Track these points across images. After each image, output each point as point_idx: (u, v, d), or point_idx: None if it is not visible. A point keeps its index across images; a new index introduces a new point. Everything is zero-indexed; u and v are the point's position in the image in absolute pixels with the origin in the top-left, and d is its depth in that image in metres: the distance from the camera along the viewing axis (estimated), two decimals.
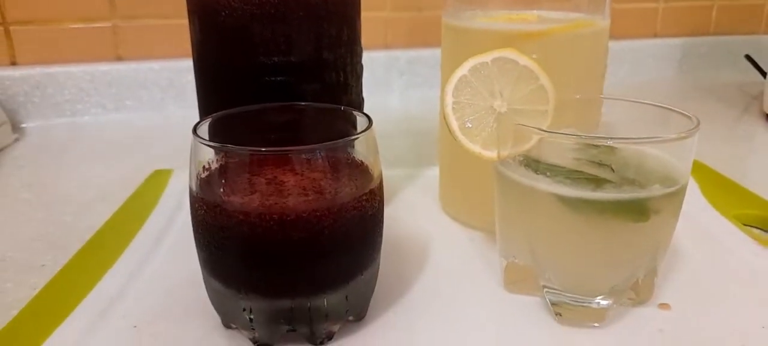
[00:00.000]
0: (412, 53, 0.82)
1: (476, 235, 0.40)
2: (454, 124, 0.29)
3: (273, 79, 0.34)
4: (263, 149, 0.25)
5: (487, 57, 0.29)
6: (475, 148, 0.29)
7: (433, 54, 0.82)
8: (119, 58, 0.71)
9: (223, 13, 0.33)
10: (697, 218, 0.42)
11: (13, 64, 0.68)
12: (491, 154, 0.29)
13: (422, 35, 0.82)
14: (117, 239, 0.40)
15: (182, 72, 0.72)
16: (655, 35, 0.96)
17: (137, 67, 0.71)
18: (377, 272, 0.31)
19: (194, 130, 0.27)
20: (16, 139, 0.63)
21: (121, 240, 0.39)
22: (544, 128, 0.29)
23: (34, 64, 0.68)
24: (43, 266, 0.38)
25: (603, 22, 0.36)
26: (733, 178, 0.50)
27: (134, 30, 0.71)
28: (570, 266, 0.29)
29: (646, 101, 0.33)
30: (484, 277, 0.35)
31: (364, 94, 0.41)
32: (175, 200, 0.45)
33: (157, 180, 0.50)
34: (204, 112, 0.37)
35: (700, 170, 0.51)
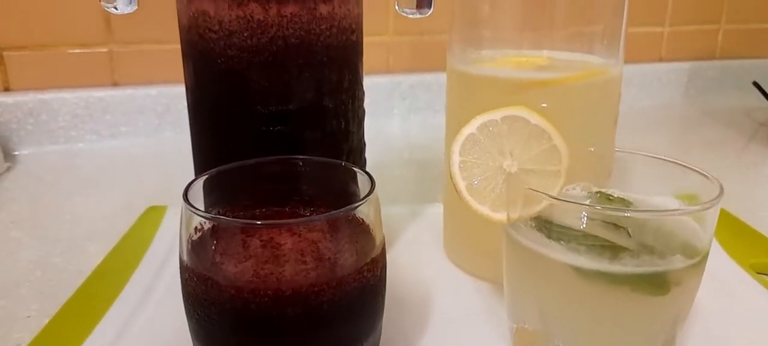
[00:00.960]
0: (415, 78, 0.80)
1: (483, 286, 0.38)
2: (461, 185, 0.27)
3: (271, 128, 0.32)
4: (258, 222, 0.23)
5: (496, 115, 0.27)
6: (484, 210, 0.27)
7: (436, 79, 0.81)
8: (115, 84, 0.70)
9: (219, 60, 0.32)
10: (712, 267, 0.40)
11: (7, 89, 0.67)
12: (500, 216, 0.28)
13: (424, 60, 0.81)
14: (106, 288, 0.38)
15: (179, 97, 0.70)
16: (661, 59, 0.95)
17: (133, 92, 0.69)
18: (379, 338, 0.29)
19: (185, 195, 0.25)
20: (9, 168, 0.62)
21: (111, 291, 0.37)
22: (557, 190, 0.27)
23: (27, 90, 0.67)
24: (28, 317, 0.36)
25: (616, 69, 0.35)
26: (743, 215, 0.49)
27: (131, 55, 0.70)
28: (583, 337, 0.27)
29: (662, 156, 0.32)
30: (493, 336, 0.33)
31: (367, 109, 0.39)
32: (168, 243, 0.44)
33: (151, 218, 0.48)
34: (198, 159, 0.35)
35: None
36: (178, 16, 0.34)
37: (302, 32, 0.31)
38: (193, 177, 0.36)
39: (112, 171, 0.62)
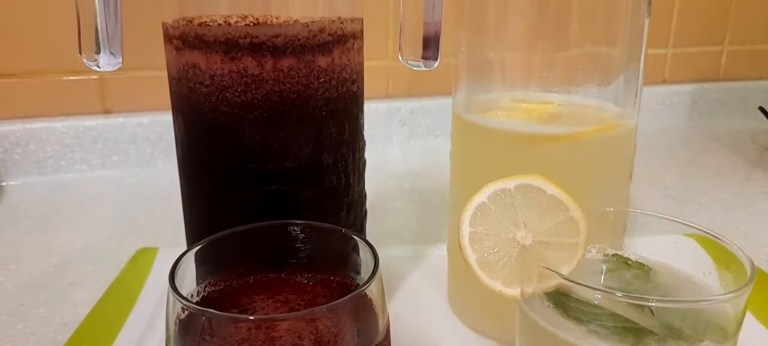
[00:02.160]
0: (414, 103, 0.78)
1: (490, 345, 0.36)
2: (472, 258, 0.25)
3: (266, 187, 0.30)
4: (251, 317, 0.21)
5: (509, 183, 0.25)
6: (496, 285, 0.25)
7: (436, 103, 0.79)
8: (107, 112, 0.68)
9: (211, 116, 0.30)
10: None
11: None
12: (514, 292, 0.26)
13: (424, 84, 0.79)
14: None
15: (171, 127, 0.68)
16: (664, 81, 0.93)
17: (125, 120, 0.67)
18: None
19: (171, 278, 0.23)
20: None
21: None
22: (575, 264, 0.25)
23: (15, 119, 0.65)
24: None
25: (632, 121, 0.33)
26: (754, 254, 0.47)
27: (123, 82, 0.68)
28: None
29: (683, 221, 0.30)
30: None
31: (365, 134, 0.37)
32: (158, 293, 0.42)
33: (141, 262, 0.46)
34: (189, 216, 0.33)
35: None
36: (167, 65, 0.32)
37: (300, 86, 0.29)
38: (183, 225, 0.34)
39: (102, 204, 0.60)
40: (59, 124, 0.65)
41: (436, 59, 0.32)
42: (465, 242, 0.25)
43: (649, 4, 0.33)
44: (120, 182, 0.65)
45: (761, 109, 0.84)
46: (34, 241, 0.51)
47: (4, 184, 0.64)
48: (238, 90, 0.29)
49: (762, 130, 0.87)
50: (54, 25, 0.63)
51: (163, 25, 0.31)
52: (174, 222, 0.54)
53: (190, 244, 0.34)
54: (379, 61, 0.77)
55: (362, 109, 0.34)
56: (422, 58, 0.33)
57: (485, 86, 0.36)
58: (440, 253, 0.44)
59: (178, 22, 0.31)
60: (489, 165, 0.33)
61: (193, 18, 0.32)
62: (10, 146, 0.64)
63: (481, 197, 0.26)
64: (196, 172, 0.32)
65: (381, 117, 0.77)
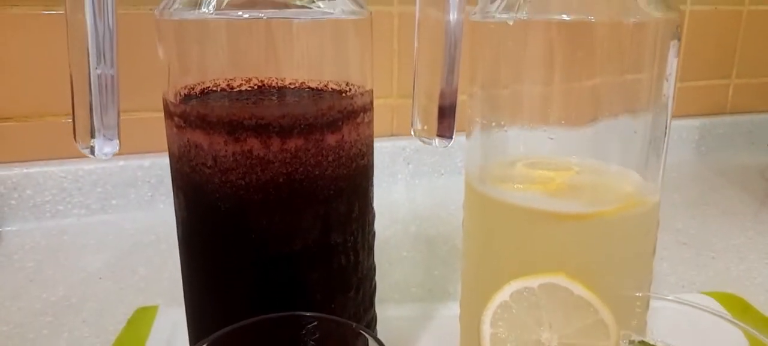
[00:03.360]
0: (419, 141, 0.77)
1: None
2: None
3: (272, 271, 0.29)
4: None
5: (533, 282, 0.24)
6: None
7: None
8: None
9: (213, 197, 0.28)
10: None
11: None
12: None
13: None
14: None
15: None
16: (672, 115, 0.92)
17: (125, 163, 0.66)
18: None
19: None
20: None
21: None
22: None
23: (12, 164, 0.63)
24: None
25: (656, 197, 0.31)
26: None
27: (123, 123, 0.66)
28: None
29: (709, 309, 0.28)
30: None
31: None
32: None
33: (140, 323, 0.45)
34: (189, 299, 0.32)
35: (746, 314, 0.46)
36: (168, 141, 0.30)
37: (308, 167, 0.28)
38: None
39: (101, 252, 0.58)
40: (57, 169, 0.64)
41: (451, 138, 0.31)
42: (486, 344, 0.24)
43: (673, 79, 0.31)
44: (119, 227, 0.64)
45: None
46: (28, 298, 0.50)
47: (0, 230, 0.62)
48: (243, 172, 0.27)
49: None
50: (52, 67, 0.62)
51: (164, 100, 0.30)
52: (174, 275, 0.53)
53: (191, 329, 0.32)
54: (384, 99, 0.76)
55: (372, 182, 0.33)
56: (437, 135, 0.31)
57: (499, 150, 0.35)
58: (451, 313, 0.42)
59: (180, 94, 0.30)
60: (507, 242, 0.32)
61: (195, 84, 0.31)
62: (6, 191, 0.62)
63: (502, 295, 0.24)
64: (199, 253, 0.30)
65: (385, 156, 0.76)
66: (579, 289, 0.24)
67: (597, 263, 0.31)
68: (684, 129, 0.91)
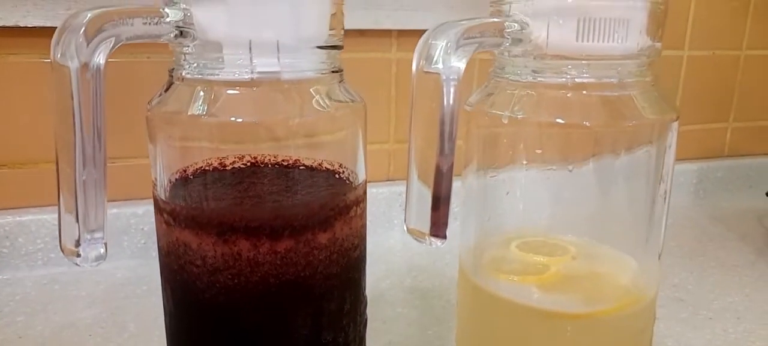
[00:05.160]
0: None
1: None
2: None
3: None
4: None
5: None
6: None
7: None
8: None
9: (203, 296, 0.28)
10: None
11: None
12: None
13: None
14: None
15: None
16: None
17: (118, 211, 0.65)
18: None
19: None
20: None
21: None
22: None
23: (5, 211, 0.63)
24: None
25: (653, 291, 0.31)
26: None
27: (116, 170, 0.66)
28: None
29: None
30: None
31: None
32: None
33: None
34: None
35: None
36: (157, 234, 0.30)
37: (298, 268, 0.28)
38: None
39: (92, 306, 0.57)
40: (50, 217, 0.63)
41: (444, 238, 0.30)
42: None
43: (671, 167, 0.31)
44: (111, 276, 0.63)
45: None
46: None
47: None
48: (232, 273, 0.27)
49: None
50: (48, 116, 0.62)
51: (154, 196, 0.29)
52: (163, 334, 0.52)
53: None
54: (381, 145, 0.75)
55: (364, 271, 0.32)
56: (430, 235, 0.31)
57: (494, 227, 0.34)
58: None
59: (170, 180, 0.30)
60: (498, 333, 0.31)
61: (186, 167, 0.31)
62: None
63: None
64: None
65: (382, 202, 0.75)
66: None
67: None
68: (682, 173, 0.91)
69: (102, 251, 0.28)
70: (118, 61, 0.62)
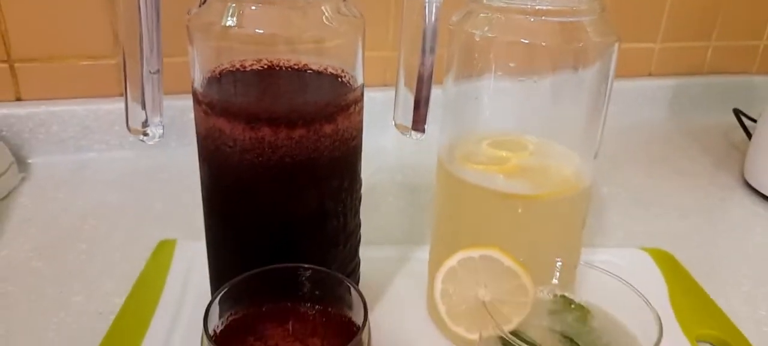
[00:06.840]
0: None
1: None
2: (442, 309, 0.32)
3: (278, 229, 0.37)
4: None
5: (474, 253, 0.32)
6: (460, 330, 0.32)
7: (432, 94, 0.83)
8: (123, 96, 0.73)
9: (234, 170, 0.35)
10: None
11: (18, 100, 0.70)
12: (473, 336, 0.33)
13: None
14: (130, 333, 0.43)
15: (184, 111, 0.73)
16: (650, 75, 0.98)
17: None
18: None
19: (205, 322, 0.29)
20: (23, 179, 0.66)
21: (134, 337, 0.42)
22: (522, 318, 0.32)
23: (39, 101, 0.70)
24: None
25: (587, 182, 0.39)
26: (700, 270, 0.53)
27: None
28: None
29: (624, 280, 0.34)
30: None
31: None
32: (181, 283, 0.48)
33: (162, 253, 0.53)
34: (210, 248, 0.40)
35: (673, 270, 0.54)
36: (195, 121, 0.37)
37: (308, 151, 0.35)
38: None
39: (122, 190, 0.66)
40: (79, 108, 0.70)
41: (423, 132, 0.38)
42: (437, 296, 0.32)
43: (611, 83, 0.38)
44: (136, 164, 0.71)
45: (736, 112, 0.89)
46: (62, 228, 0.58)
47: (30, 161, 0.69)
48: (257, 153, 0.35)
49: (736, 126, 0.92)
50: (74, 13, 0.67)
51: (192, 89, 0.36)
52: (186, 211, 0.61)
53: (212, 268, 0.40)
54: (378, 52, 0.81)
55: (360, 157, 0.40)
56: (412, 128, 0.38)
57: (468, 128, 0.42)
58: (425, 256, 0.50)
59: (204, 80, 0.37)
60: (466, 213, 0.40)
61: (215, 67, 0.38)
62: (34, 126, 0.69)
63: (451, 261, 0.32)
64: (218, 214, 0.38)
65: (377, 105, 0.82)
66: (507, 260, 0.32)
67: (538, 233, 0.39)
68: (659, 88, 0.97)
69: (161, 131, 0.35)
70: None
